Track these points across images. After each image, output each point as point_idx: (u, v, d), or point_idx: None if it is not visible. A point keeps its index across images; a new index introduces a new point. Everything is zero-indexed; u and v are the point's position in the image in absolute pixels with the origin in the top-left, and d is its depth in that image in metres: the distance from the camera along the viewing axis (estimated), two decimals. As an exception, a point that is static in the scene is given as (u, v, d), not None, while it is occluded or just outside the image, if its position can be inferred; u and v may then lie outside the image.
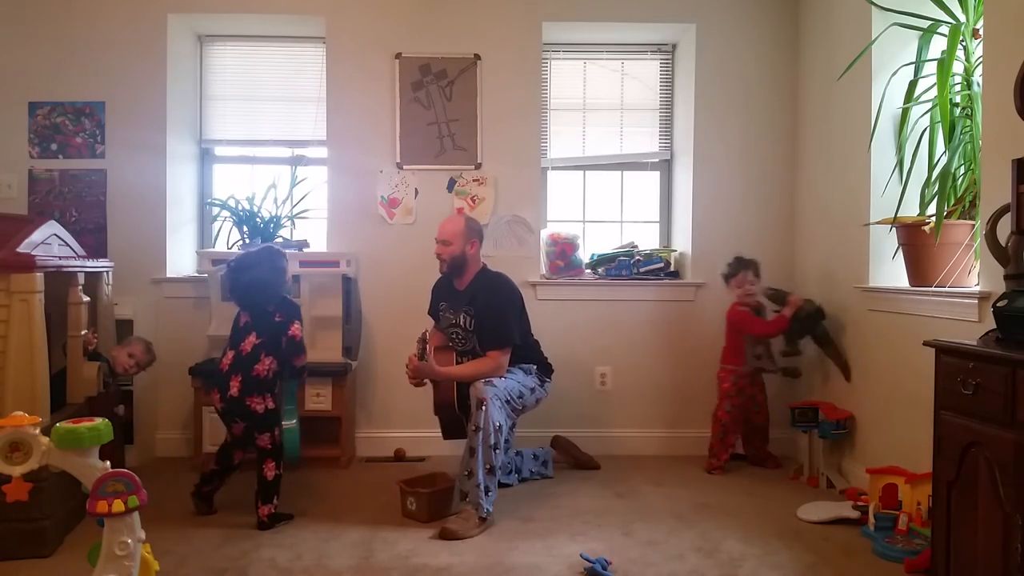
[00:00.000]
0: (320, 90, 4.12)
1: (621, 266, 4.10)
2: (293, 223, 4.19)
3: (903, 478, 2.87)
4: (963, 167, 2.96)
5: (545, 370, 3.48)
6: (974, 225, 2.86)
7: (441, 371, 3.20)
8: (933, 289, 2.87)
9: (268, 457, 2.97)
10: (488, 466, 2.97)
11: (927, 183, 3.07)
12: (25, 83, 3.92)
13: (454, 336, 3.38)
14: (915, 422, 2.88)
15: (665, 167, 4.37)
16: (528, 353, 3.42)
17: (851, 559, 2.67)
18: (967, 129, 2.92)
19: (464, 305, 3.32)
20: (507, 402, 3.11)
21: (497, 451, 3.01)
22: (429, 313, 3.54)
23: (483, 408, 2.99)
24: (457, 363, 3.32)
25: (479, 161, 4.06)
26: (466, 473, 2.97)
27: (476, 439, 2.97)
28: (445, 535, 2.84)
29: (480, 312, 3.28)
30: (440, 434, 3.38)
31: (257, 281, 3.02)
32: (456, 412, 3.23)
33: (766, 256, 4.09)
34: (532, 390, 3.32)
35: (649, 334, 4.09)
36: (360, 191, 4.04)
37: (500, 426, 3.02)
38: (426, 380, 3.24)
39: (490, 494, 2.98)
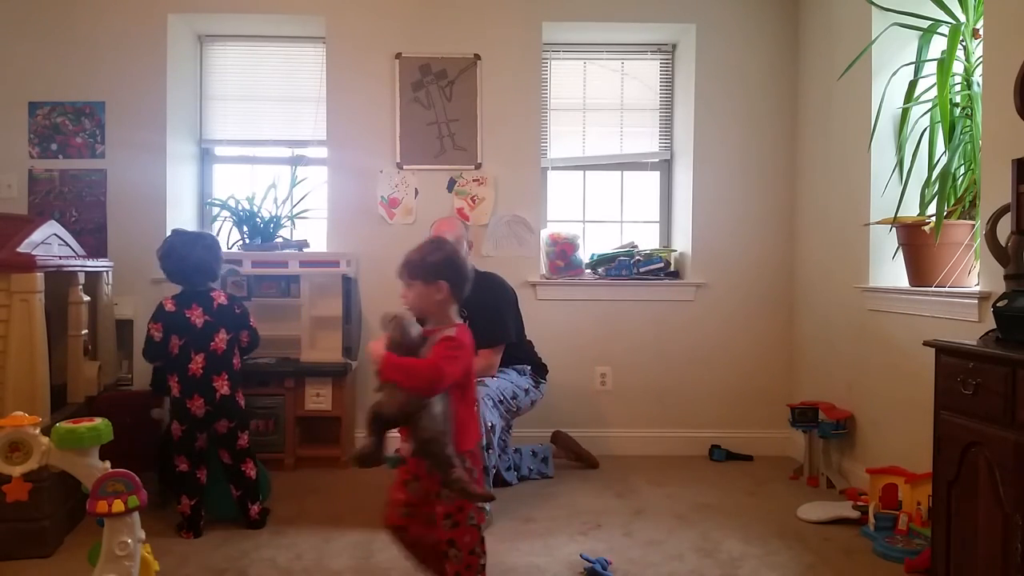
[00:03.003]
0: (320, 90, 4.12)
1: (621, 266, 4.09)
2: (293, 223, 4.19)
3: (903, 478, 2.87)
4: (963, 167, 2.96)
5: (540, 371, 3.47)
6: (974, 225, 2.86)
7: None
8: (933, 289, 2.87)
9: (247, 457, 2.94)
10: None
11: (927, 183, 3.07)
12: (25, 83, 3.92)
13: None
14: (915, 422, 2.88)
15: (665, 167, 4.37)
16: (522, 353, 3.40)
17: (851, 559, 2.67)
18: (967, 129, 2.91)
19: None
20: (500, 402, 3.09)
21: (490, 451, 2.99)
22: None
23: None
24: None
25: (479, 161, 4.06)
26: None
27: None
28: (445, 535, 2.83)
29: (473, 310, 3.27)
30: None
31: (204, 261, 2.96)
32: None
33: (766, 256, 4.10)
34: (526, 391, 3.31)
35: (649, 334, 4.08)
36: (360, 191, 4.04)
37: (492, 426, 3.00)
38: None
39: (486, 494, 2.96)
